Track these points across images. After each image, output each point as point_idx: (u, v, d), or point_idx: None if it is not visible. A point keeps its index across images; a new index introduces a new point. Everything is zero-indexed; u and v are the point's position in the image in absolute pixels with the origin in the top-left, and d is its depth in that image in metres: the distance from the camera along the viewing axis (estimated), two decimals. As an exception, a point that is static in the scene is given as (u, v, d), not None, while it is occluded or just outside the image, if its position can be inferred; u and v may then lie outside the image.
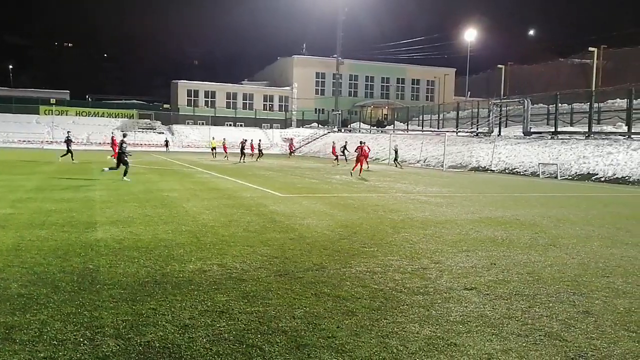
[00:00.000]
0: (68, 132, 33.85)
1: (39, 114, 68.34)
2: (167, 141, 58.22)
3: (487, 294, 5.71)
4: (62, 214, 10.33)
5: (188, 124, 73.96)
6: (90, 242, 7.77)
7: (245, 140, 40.42)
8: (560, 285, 6.17)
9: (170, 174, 23.35)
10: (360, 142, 27.27)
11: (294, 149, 51.50)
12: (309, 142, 66.09)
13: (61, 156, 30.89)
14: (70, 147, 31.64)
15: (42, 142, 60.15)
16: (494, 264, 7.14)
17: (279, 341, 4.27)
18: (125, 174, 18.65)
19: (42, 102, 70.30)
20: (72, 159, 30.37)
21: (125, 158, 19.14)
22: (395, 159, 36.20)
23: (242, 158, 37.87)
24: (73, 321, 4.54)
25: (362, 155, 26.20)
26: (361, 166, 25.83)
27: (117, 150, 20.26)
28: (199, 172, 24.68)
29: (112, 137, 36.14)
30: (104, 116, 71.62)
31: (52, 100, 70.73)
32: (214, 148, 43.80)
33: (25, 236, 8.05)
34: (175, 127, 71.11)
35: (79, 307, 4.90)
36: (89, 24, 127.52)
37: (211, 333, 4.39)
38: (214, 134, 63.92)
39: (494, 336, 4.49)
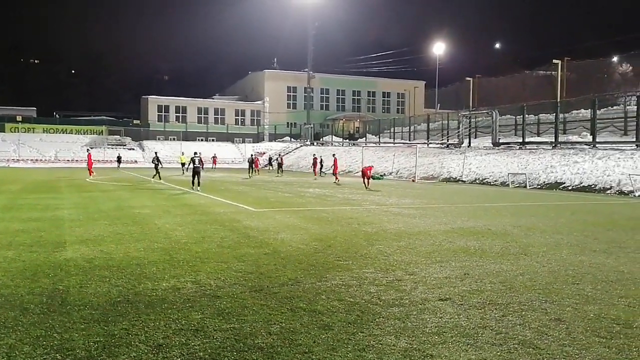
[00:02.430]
0: (156, 152, 32.80)
1: (4, 131, 66.88)
2: (119, 157, 55.36)
3: (462, 304, 5.76)
4: (30, 234, 10.08)
5: (159, 139, 73.28)
6: (59, 262, 7.60)
7: (252, 155, 41.34)
8: (532, 293, 6.27)
9: (141, 190, 23.03)
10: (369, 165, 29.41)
11: (283, 163, 47.57)
12: (281, 156, 65.97)
13: (152, 177, 30.19)
14: (158, 168, 30.60)
15: (8, 160, 58.83)
16: (468, 274, 7.22)
17: (255, 358, 4.23)
18: (198, 185, 22.38)
19: (8, 120, 68.86)
20: (152, 178, 29.64)
21: (199, 171, 22.96)
22: (321, 169, 40.57)
23: (251, 173, 38.96)
24: (43, 344, 4.43)
25: (367, 169, 27.67)
26: (368, 180, 27.16)
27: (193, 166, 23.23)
28: (170, 188, 24.42)
29: (89, 154, 34.99)
30: (72, 133, 70.48)
31: (19, 118, 69.35)
32: (183, 164, 42.43)
33: (-9, 258, 7.82)
34: (145, 142, 70.36)
35: (48, 329, 4.78)
36: (55, 40, 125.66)
37: (186, 352, 4.33)
38: (185, 149, 63.38)
39: (469, 346, 4.53)
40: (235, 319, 5.15)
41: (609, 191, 25.41)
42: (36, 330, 4.74)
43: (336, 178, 32.28)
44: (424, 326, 5.02)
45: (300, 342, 4.58)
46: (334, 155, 34.84)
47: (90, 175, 32.53)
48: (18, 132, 66.48)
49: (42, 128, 69.82)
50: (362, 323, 5.10)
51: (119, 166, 53.12)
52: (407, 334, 4.81)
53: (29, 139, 65.31)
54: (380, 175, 38.06)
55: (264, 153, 58.70)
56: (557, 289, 6.47)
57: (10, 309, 5.38)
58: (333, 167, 32.79)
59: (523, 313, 5.47)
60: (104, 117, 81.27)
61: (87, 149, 39.00)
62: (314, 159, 41.05)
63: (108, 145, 67.73)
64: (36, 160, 61.40)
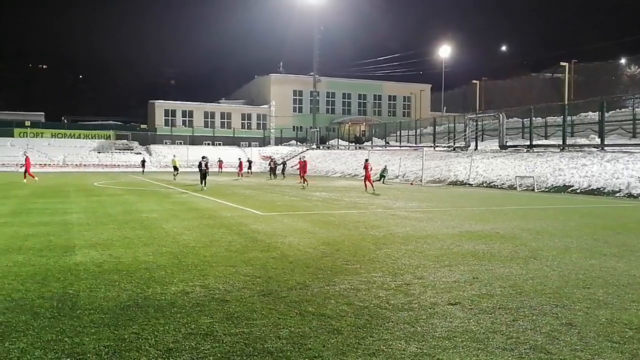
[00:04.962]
0: (202, 157, 30.06)
1: (13, 136, 67.28)
2: (143, 161, 55.21)
3: (471, 309, 5.73)
4: (39, 238, 10.13)
5: (166, 143, 73.53)
6: (69, 266, 7.63)
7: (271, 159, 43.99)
8: (543, 297, 6.23)
9: (149, 194, 23.11)
10: (366, 160, 28.98)
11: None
12: (287, 160, 66.09)
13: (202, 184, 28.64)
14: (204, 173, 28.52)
15: (16, 165, 59.04)
16: (477, 278, 7.18)
17: (265, 363, 4.22)
18: (205, 185, 26.21)
19: (17, 125, 69.23)
20: (202, 185, 27.29)
21: (206, 173, 26.68)
22: (283, 170, 43.81)
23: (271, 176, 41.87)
24: (54, 348, 4.44)
25: (368, 172, 27.73)
26: (370, 182, 27.53)
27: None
28: (177, 192, 24.48)
29: (26, 157, 33.74)
30: (80, 137, 70.84)
31: (27, 123, 69.73)
32: (175, 167, 41.81)
33: (1, 262, 7.86)
34: (152, 147, 70.62)
35: (59, 333, 4.80)
36: (62, 46, 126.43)
37: (196, 356, 4.33)
38: (192, 153, 63.45)
39: (479, 351, 4.51)
40: (245, 323, 5.15)
41: (618, 194, 25.25)
42: (47, 334, 4.76)
43: (304, 181, 31.59)
44: (433, 331, 5.00)
45: (309, 346, 4.57)
46: (303, 157, 35.22)
47: (26, 179, 31.72)
48: (27, 137, 66.93)
49: (50, 133, 70.19)
50: (372, 327, 5.08)
51: (143, 171, 52.69)
52: (417, 338, 4.79)
53: (37, 144, 65.69)
54: (383, 173, 37.46)
55: (270, 157, 58.83)
56: (568, 293, 6.42)
57: (21, 312, 5.40)
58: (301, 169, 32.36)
59: (534, 317, 5.43)
60: (112, 122, 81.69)
61: (24, 152, 37.64)
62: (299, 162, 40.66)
63: (115, 149, 68.01)
64: (44, 165, 61.70)
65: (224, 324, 5.11)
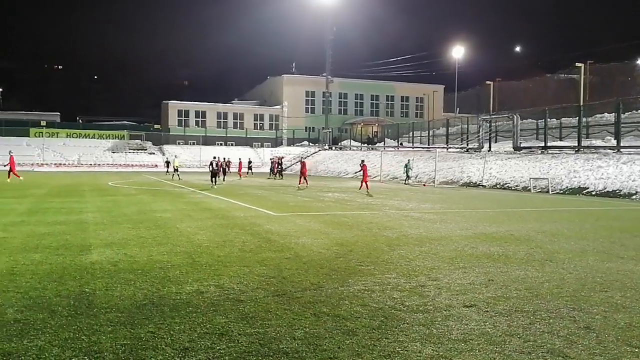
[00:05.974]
0: (213, 157, 30.15)
1: (29, 136, 68.16)
2: (167, 162, 53.67)
3: (487, 311, 5.69)
4: (55, 237, 10.23)
5: (179, 144, 73.99)
6: (85, 265, 7.69)
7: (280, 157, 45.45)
8: (560, 300, 6.17)
9: (162, 194, 23.25)
10: (362, 161, 29.64)
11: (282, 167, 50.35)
12: (300, 161, 66.19)
13: (216, 182, 28.79)
14: (219, 172, 28.82)
15: (32, 164, 59.78)
16: (492, 280, 7.13)
17: (281, 363, 4.22)
18: (215, 183, 28.40)
19: (33, 125, 70.13)
20: (213, 184, 28.20)
21: (216, 173, 28.99)
22: (281, 171, 45.11)
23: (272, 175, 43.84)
24: (71, 346, 4.48)
25: (365, 174, 28.41)
26: (366, 183, 28.18)
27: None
28: (190, 192, 24.60)
29: (11, 156, 32.88)
30: (94, 137, 71.55)
31: (43, 123, 70.55)
32: (176, 169, 41.29)
33: (19, 260, 7.95)
34: (166, 147, 71.10)
35: (76, 331, 4.83)
36: (77, 46, 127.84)
37: (212, 356, 4.34)
38: (205, 154, 63.67)
39: (496, 354, 4.47)
40: (259, 324, 5.15)
41: (634, 196, 24.96)
42: (64, 333, 4.80)
43: (300, 182, 31.41)
44: (449, 333, 4.97)
45: (325, 347, 4.56)
46: (302, 159, 35.65)
47: (10, 178, 31.13)
48: (42, 136, 67.74)
49: (66, 133, 70.96)
50: (387, 329, 5.06)
51: (167, 170, 52.42)
52: (433, 340, 4.77)
53: (52, 144, 66.47)
54: (408, 172, 37.50)
55: (283, 157, 59.01)
56: (585, 297, 6.35)
57: (38, 311, 5.45)
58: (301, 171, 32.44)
59: (551, 321, 5.38)
60: (126, 122, 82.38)
61: (10, 151, 37.34)
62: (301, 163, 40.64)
63: (129, 149, 68.56)
64: (60, 164, 62.36)
65: (239, 324, 5.12)
